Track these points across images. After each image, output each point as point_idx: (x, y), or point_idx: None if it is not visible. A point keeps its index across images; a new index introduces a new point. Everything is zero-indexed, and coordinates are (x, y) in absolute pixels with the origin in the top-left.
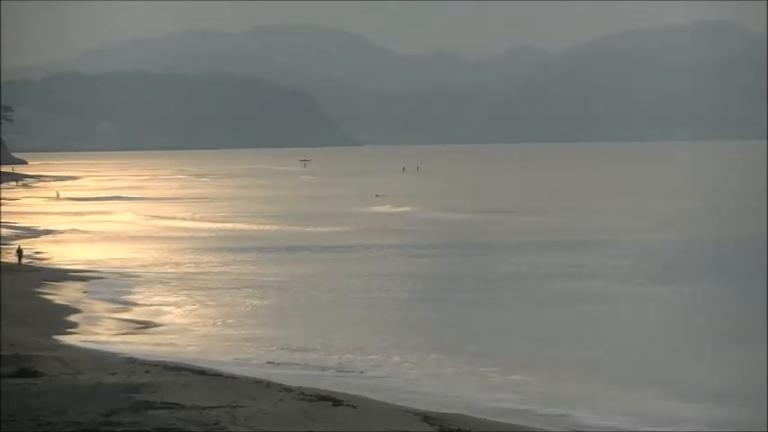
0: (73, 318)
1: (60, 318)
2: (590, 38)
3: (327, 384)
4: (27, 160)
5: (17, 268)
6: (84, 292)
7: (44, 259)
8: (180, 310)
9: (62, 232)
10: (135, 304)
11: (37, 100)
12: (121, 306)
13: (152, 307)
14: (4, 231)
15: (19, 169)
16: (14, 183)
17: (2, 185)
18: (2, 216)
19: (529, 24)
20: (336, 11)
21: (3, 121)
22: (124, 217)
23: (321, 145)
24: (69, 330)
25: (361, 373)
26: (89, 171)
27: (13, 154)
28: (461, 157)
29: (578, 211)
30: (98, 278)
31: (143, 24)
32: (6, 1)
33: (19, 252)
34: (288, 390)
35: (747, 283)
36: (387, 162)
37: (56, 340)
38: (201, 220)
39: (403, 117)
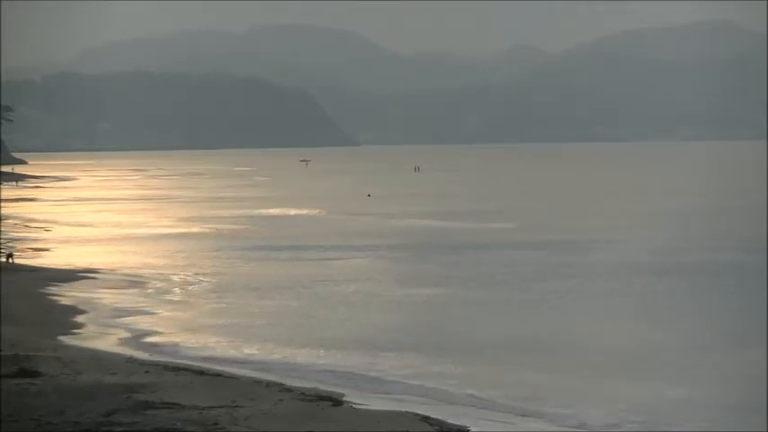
0: (71, 317)
1: (61, 318)
2: (590, 38)
3: (327, 384)
4: (27, 160)
5: (14, 268)
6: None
7: (35, 258)
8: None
9: None
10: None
11: (37, 100)
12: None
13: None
14: None
15: (19, 169)
16: (14, 183)
17: (2, 185)
18: None
19: (529, 24)
20: (336, 11)
21: (3, 121)
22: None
23: (321, 145)
24: (72, 331)
25: (362, 373)
26: (61, 172)
27: (13, 154)
28: (462, 158)
29: (574, 212)
30: (91, 278)
31: (143, 24)
32: (6, 1)
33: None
34: (288, 390)
35: (747, 283)
36: (379, 162)
37: (56, 340)
38: (73, 224)
39: (403, 117)
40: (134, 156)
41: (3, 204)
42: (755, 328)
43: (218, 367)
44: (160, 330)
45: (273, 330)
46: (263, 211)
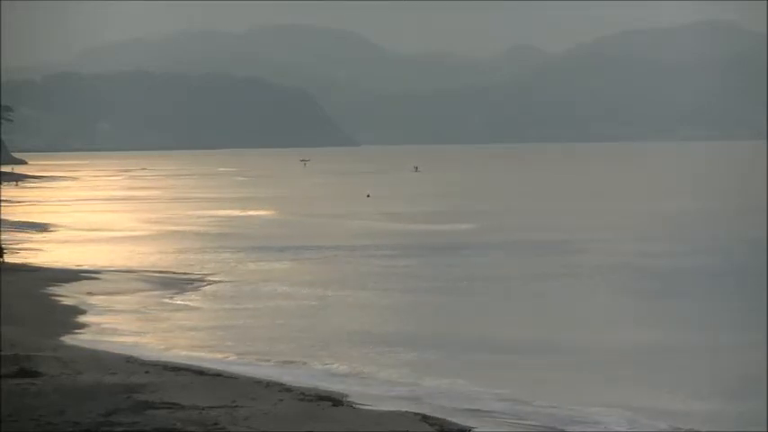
0: (71, 317)
1: (61, 318)
2: (590, 38)
3: (327, 384)
4: (27, 160)
5: (10, 267)
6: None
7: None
8: None
9: None
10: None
11: (37, 100)
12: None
13: None
14: None
15: (19, 169)
16: (14, 183)
17: (2, 185)
18: None
19: (529, 24)
20: (336, 11)
21: (3, 121)
22: None
23: (321, 145)
24: (73, 331)
25: (360, 374)
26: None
27: (13, 154)
28: (462, 158)
29: (573, 213)
30: (94, 278)
31: (143, 24)
32: (6, 1)
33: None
34: (288, 390)
35: (747, 284)
36: (379, 162)
37: (57, 340)
38: None
39: (403, 117)
40: (133, 156)
41: None
42: (755, 329)
43: (218, 367)
44: (157, 330)
45: (273, 331)
46: (229, 213)
